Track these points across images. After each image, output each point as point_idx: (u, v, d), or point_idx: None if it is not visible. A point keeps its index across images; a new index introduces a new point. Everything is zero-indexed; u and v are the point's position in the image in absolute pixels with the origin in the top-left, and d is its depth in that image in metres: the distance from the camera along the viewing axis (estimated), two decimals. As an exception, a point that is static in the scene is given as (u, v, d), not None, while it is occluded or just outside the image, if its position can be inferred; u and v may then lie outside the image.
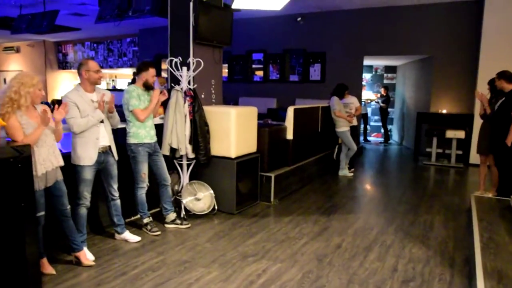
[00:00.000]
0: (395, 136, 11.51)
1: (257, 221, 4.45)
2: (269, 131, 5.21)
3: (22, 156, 2.70)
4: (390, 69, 11.67)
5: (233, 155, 4.57)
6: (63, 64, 14.64)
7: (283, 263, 3.37)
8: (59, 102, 3.36)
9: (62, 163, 3.06)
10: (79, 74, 3.41)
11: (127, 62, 12.80)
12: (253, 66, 10.75)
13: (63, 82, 14.86)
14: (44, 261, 3.06)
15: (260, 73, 10.68)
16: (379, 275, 3.18)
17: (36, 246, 2.84)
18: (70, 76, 14.90)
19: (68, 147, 3.37)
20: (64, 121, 3.18)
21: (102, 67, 3.30)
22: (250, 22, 10.08)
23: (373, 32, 9.00)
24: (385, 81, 11.70)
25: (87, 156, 3.34)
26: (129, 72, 13.05)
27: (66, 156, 3.24)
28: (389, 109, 11.15)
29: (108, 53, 13.29)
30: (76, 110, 3.29)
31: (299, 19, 9.66)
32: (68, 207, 3.12)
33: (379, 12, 8.87)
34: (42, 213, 2.95)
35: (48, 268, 3.06)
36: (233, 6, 4.65)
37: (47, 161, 2.92)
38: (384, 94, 10.71)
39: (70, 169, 3.30)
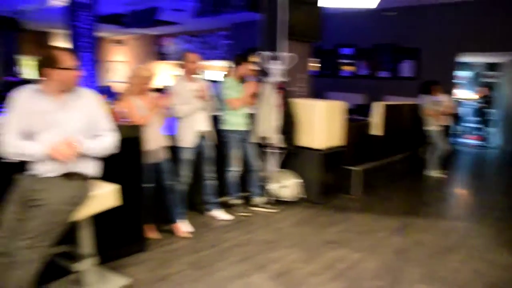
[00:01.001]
0: (495, 139, 10.72)
1: (340, 212, 4.58)
2: (356, 125, 5.29)
3: (136, 135, 3.17)
4: (492, 67, 10.85)
5: (319, 147, 4.73)
6: (162, 56, 15.78)
7: (362, 253, 3.48)
8: (159, 90, 3.80)
9: (166, 143, 3.50)
10: (182, 65, 3.83)
11: (219, 55, 13.46)
12: (342, 60, 10.71)
13: (162, 73, 16.06)
14: (152, 226, 3.53)
15: (348, 68, 10.63)
16: (461, 275, 3.15)
17: (142, 212, 3.30)
18: (168, 67, 16.04)
19: (173, 131, 3.80)
20: (167, 108, 3.62)
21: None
22: (339, 16, 10.04)
23: (471, 27, 8.47)
24: (486, 80, 10.90)
25: (187, 139, 3.76)
26: (221, 64, 13.70)
27: (171, 139, 3.68)
28: (490, 110, 10.41)
29: (202, 46, 14.09)
30: (179, 97, 3.71)
31: (390, 13, 9.43)
32: (172, 183, 3.56)
33: (478, 5, 8.32)
34: (150, 185, 3.41)
35: (155, 233, 3.53)
36: (323, 5, 4.77)
37: (154, 140, 3.36)
38: (484, 94, 10.01)
39: (174, 150, 3.73)
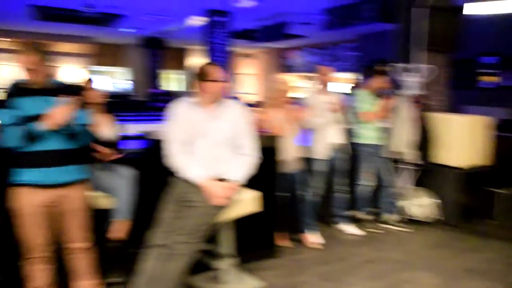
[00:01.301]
0: None
1: (482, 238, 4.12)
2: (504, 143, 4.74)
3: (273, 145, 3.31)
4: None
5: (459, 165, 4.36)
6: (288, 68, 16.20)
7: (513, 288, 3.10)
8: (294, 102, 3.92)
9: (300, 154, 3.59)
10: (315, 78, 3.94)
11: (345, 67, 13.34)
12: (481, 71, 9.73)
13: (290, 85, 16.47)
14: (284, 235, 3.63)
15: (490, 79, 9.60)
16: None
17: (275, 219, 3.42)
18: (293, 79, 16.39)
19: (307, 142, 3.87)
20: (302, 120, 3.71)
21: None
22: (481, 22, 9.14)
23: None
24: None
25: (321, 151, 3.80)
26: (348, 76, 13.55)
27: (305, 150, 3.75)
28: None
29: (328, 58, 14.13)
30: (313, 110, 3.78)
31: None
32: (303, 193, 3.63)
33: None
34: (284, 194, 3.52)
35: (286, 241, 3.63)
36: (471, 12, 4.39)
37: (289, 150, 3.47)
38: None
39: (308, 161, 3.79)
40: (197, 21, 10.92)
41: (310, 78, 4.15)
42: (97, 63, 15.57)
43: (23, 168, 2.31)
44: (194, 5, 9.40)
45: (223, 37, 10.18)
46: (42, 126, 2.23)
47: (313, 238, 3.72)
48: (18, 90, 2.35)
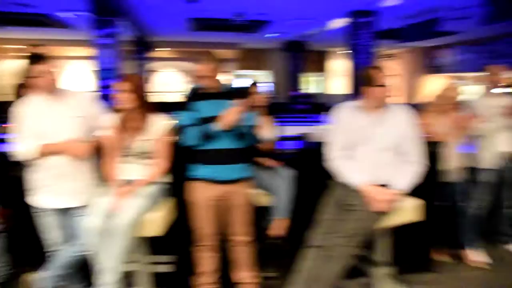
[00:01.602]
0: None
1: None
2: None
3: (434, 152, 3.10)
4: None
5: None
6: (436, 68, 14.96)
7: None
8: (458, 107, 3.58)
9: (464, 163, 3.28)
10: (483, 78, 3.58)
11: (508, 64, 11.81)
12: None
13: (433, 87, 15.29)
14: (443, 248, 3.37)
15: None
16: None
17: (433, 231, 3.21)
18: (441, 80, 15.13)
19: (472, 150, 3.52)
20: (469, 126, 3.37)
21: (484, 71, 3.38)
22: None
23: None
24: None
25: (488, 160, 3.41)
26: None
27: (470, 159, 3.41)
28: None
29: (485, 55, 12.65)
30: (481, 114, 3.41)
31: None
32: (465, 205, 3.30)
33: None
34: (444, 205, 3.25)
35: (444, 256, 3.37)
36: None
37: (451, 158, 3.21)
38: None
39: (472, 171, 3.43)
40: (339, 23, 10.84)
41: (462, 79, 3.72)
42: (241, 67, 16.61)
43: (198, 165, 2.58)
44: (336, 7, 9.33)
45: (368, 38, 9.87)
46: (216, 126, 2.46)
47: (475, 256, 3.35)
48: (195, 94, 2.63)
